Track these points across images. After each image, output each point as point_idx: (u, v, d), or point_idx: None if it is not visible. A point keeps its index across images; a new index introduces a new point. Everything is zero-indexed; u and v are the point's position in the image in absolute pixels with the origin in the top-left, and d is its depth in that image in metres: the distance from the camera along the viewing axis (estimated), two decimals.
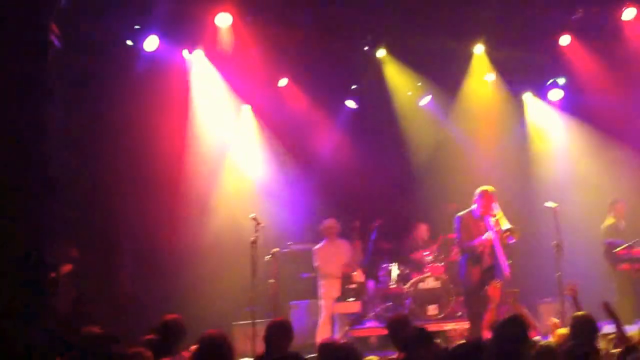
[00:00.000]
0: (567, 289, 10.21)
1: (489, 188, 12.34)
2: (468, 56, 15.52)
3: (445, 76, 15.93)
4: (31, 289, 6.89)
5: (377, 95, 16.17)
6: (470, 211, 12.25)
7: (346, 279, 14.34)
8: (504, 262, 11.85)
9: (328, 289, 14.17)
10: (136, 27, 13.29)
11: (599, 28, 14.55)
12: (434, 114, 16.62)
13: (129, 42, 13.41)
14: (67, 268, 12.20)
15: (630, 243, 13.41)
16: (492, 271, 12.06)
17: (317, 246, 14.44)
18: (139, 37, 13.33)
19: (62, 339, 8.26)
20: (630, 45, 14.80)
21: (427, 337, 7.49)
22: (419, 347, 7.30)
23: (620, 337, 8.51)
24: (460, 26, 14.31)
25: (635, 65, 15.03)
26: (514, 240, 11.97)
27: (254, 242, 12.52)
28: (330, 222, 14.51)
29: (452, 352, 6.76)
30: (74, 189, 12.51)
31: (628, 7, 14.02)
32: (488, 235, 12.01)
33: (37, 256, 10.37)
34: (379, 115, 16.56)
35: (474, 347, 6.56)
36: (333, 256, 14.31)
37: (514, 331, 7.17)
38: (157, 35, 13.36)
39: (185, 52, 14.27)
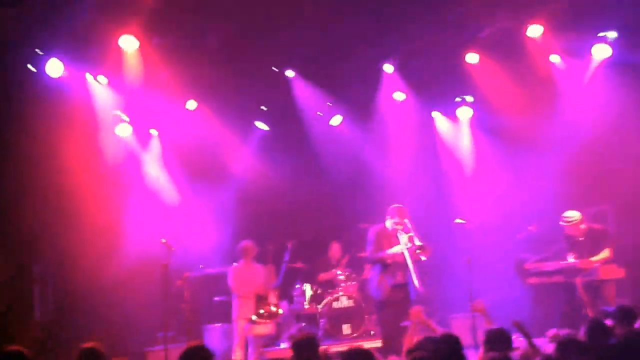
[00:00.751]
0: (472, 307, 10.20)
1: (401, 205, 12.42)
2: (379, 75, 15.62)
3: (356, 95, 16.10)
4: None
5: (287, 115, 16.26)
6: (383, 226, 12.31)
7: (260, 300, 14.18)
8: (417, 279, 11.89)
9: (242, 310, 14.03)
10: (38, 51, 13.05)
11: (506, 45, 14.71)
12: (345, 133, 16.71)
13: (31, 67, 13.16)
14: None
15: (538, 257, 13.57)
16: (405, 288, 12.10)
17: (233, 266, 14.30)
18: (41, 62, 13.09)
19: None
20: (535, 62, 15.07)
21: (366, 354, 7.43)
22: None
23: (532, 351, 8.56)
24: (371, 45, 14.43)
25: (541, 81, 15.32)
26: (426, 257, 12.04)
27: (165, 267, 12.56)
28: (247, 244, 14.38)
29: None
30: None
31: (533, 24, 14.20)
32: (397, 248, 12.05)
33: None
34: (290, 135, 16.66)
35: None
36: (248, 277, 14.19)
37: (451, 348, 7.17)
38: (60, 59, 13.15)
39: (90, 77, 14.05)
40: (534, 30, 14.33)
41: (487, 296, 11.92)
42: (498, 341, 7.97)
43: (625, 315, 9.15)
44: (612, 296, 12.60)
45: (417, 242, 12.04)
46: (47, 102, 13.31)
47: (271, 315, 14.06)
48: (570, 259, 13.11)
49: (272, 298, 14.19)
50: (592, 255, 12.88)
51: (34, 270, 13.81)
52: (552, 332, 10.99)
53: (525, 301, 14.11)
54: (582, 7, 13.55)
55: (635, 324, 8.90)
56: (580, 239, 13.09)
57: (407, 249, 12.00)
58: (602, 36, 14.60)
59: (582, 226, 13.07)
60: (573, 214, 13.09)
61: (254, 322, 13.81)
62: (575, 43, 14.81)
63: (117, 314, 13.89)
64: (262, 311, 13.93)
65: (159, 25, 13.15)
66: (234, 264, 14.34)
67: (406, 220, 12.26)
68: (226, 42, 13.77)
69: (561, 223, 13.21)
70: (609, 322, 9.25)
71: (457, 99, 16.46)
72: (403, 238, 12.08)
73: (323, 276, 15.40)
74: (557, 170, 15.18)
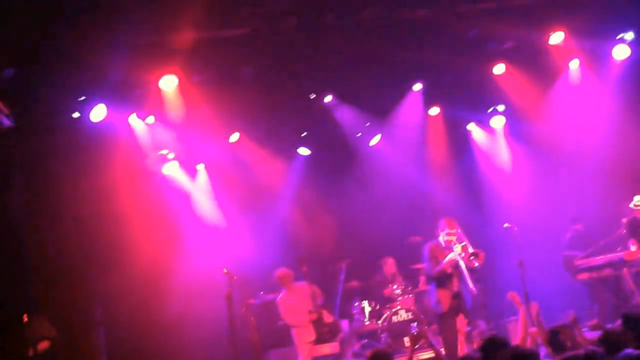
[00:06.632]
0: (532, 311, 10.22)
1: (450, 217, 12.73)
2: (411, 93, 15.99)
3: (391, 115, 16.46)
4: None
5: (329, 139, 16.72)
6: (437, 241, 12.58)
7: (317, 322, 14.08)
8: (471, 284, 12.17)
9: (301, 337, 14.00)
10: (82, 98, 13.35)
11: (530, 54, 15.09)
12: (385, 152, 17.06)
13: (76, 114, 13.46)
14: (43, 345, 12.18)
15: (586, 253, 13.82)
16: (459, 298, 12.38)
17: (278, 298, 14.25)
18: (85, 108, 13.40)
19: None
20: (559, 68, 15.47)
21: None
22: None
23: None
24: (402, 66, 14.76)
25: (564, 87, 15.69)
26: (479, 264, 12.32)
27: (228, 296, 12.46)
28: (282, 272, 14.28)
29: None
30: (38, 266, 12.62)
31: (555, 31, 14.55)
32: (452, 255, 12.31)
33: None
34: (333, 159, 17.06)
35: None
36: (296, 305, 14.07)
37: None
38: (104, 104, 13.42)
39: (134, 118, 14.35)
40: (556, 37, 14.68)
41: (540, 297, 12.24)
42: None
43: None
44: None
45: (470, 250, 12.34)
46: (94, 147, 13.69)
47: (332, 335, 14.15)
48: (633, 247, 13.50)
49: (327, 317, 14.21)
50: None
51: (97, 313, 13.97)
52: (593, 322, 11.38)
53: (576, 298, 14.41)
54: (600, 10, 13.93)
55: None
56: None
57: (462, 257, 12.31)
58: (620, 38, 14.99)
59: None
60: None
61: (317, 344, 13.93)
62: (595, 46, 15.22)
63: (185, 346, 14.07)
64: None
65: (196, 63, 13.49)
66: (278, 295, 14.32)
67: (458, 230, 12.59)
68: (263, 72, 14.12)
69: (632, 207, 13.68)
70: None
71: (490, 110, 16.82)
72: (457, 248, 12.36)
73: (383, 291, 15.61)
74: (591, 171, 15.52)
